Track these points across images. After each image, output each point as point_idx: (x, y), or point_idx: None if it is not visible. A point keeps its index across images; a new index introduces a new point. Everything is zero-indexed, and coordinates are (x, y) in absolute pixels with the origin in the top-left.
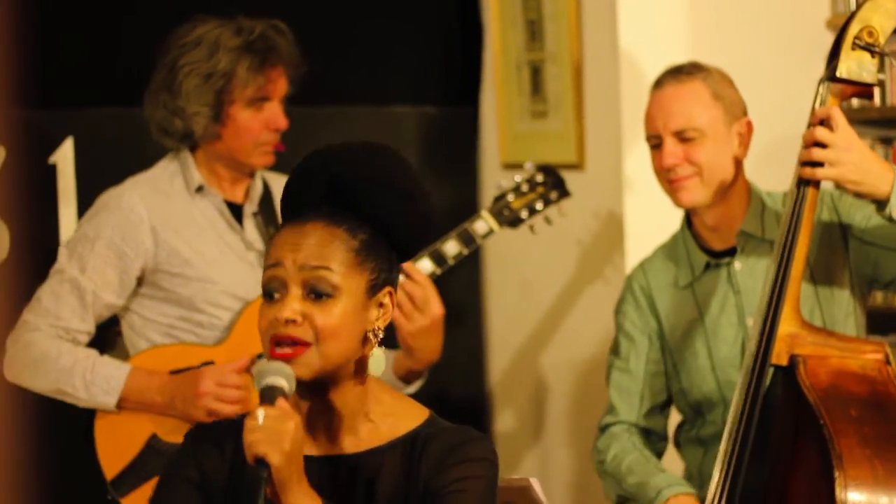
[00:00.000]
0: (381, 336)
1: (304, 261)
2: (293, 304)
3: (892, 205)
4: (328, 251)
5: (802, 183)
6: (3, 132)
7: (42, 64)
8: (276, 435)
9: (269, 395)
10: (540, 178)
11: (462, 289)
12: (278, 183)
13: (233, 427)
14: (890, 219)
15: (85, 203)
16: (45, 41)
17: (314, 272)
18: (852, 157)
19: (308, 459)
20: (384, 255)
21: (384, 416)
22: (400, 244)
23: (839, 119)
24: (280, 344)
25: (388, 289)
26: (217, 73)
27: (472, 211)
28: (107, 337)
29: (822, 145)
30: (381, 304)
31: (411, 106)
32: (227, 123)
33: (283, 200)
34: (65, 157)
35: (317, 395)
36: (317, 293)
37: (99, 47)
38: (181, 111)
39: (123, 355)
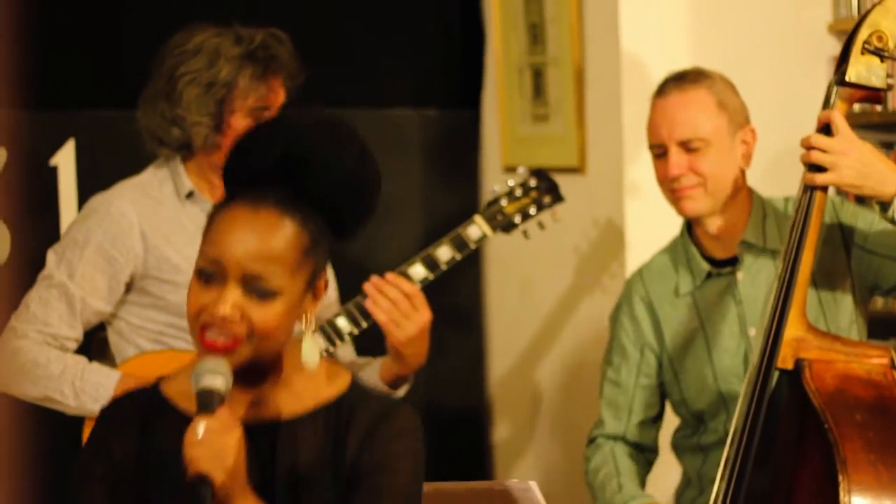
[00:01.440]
0: (312, 323)
1: (250, 256)
2: (232, 299)
3: (895, 207)
4: (277, 250)
5: (808, 188)
6: (4, 134)
7: (44, 66)
8: (218, 451)
9: (207, 402)
10: (533, 182)
11: (462, 294)
12: None
13: (143, 396)
14: (892, 220)
15: None
16: (46, 43)
17: (259, 271)
18: (850, 161)
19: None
20: (325, 243)
21: (305, 382)
22: (344, 230)
23: (839, 122)
24: (210, 329)
25: (322, 276)
26: (219, 82)
27: (472, 214)
28: (91, 343)
29: (822, 150)
30: (314, 291)
31: (413, 109)
32: (227, 133)
33: (228, 166)
34: (66, 159)
35: (238, 371)
36: (259, 292)
37: (101, 49)
38: (181, 120)
39: (109, 362)
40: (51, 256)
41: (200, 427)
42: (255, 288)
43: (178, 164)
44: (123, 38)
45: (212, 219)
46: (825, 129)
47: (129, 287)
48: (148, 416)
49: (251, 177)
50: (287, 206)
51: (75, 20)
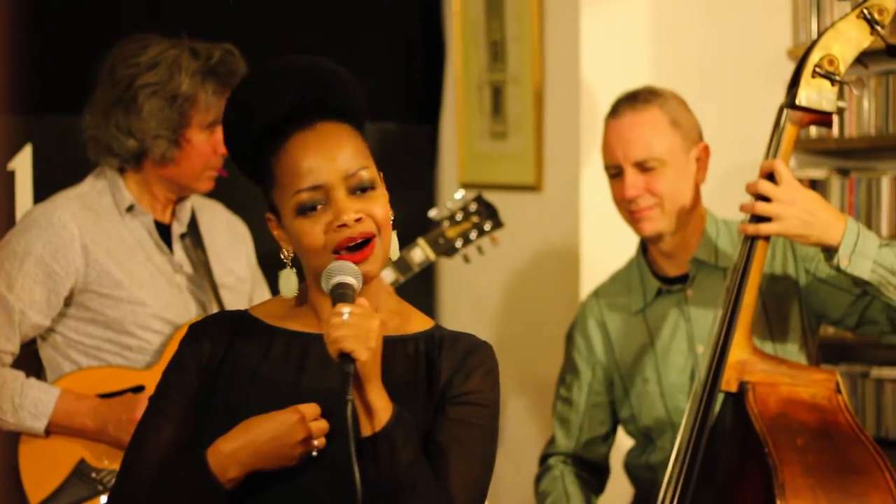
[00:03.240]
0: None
1: (344, 167)
2: (350, 205)
3: (841, 255)
4: (354, 149)
5: (750, 237)
6: None
7: (2, 70)
8: (363, 332)
9: (343, 294)
10: (474, 206)
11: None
12: (200, 205)
13: (233, 315)
14: (837, 269)
15: None
16: (4, 49)
17: (357, 175)
18: (795, 211)
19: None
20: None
21: (391, 314)
22: (362, 129)
23: (783, 172)
24: (345, 249)
25: (381, 175)
26: (180, 95)
27: (429, 229)
28: (21, 356)
29: (766, 199)
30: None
31: (371, 122)
32: (184, 147)
33: (243, 121)
34: (23, 164)
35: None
36: (362, 188)
37: (60, 55)
38: (139, 132)
39: (38, 376)
40: None
41: (345, 310)
42: (358, 186)
43: (116, 176)
44: (82, 44)
45: (277, 160)
46: (769, 177)
47: (68, 301)
48: (237, 329)
49: (284, 111)
50: (332, 118)
51: (36, 25)
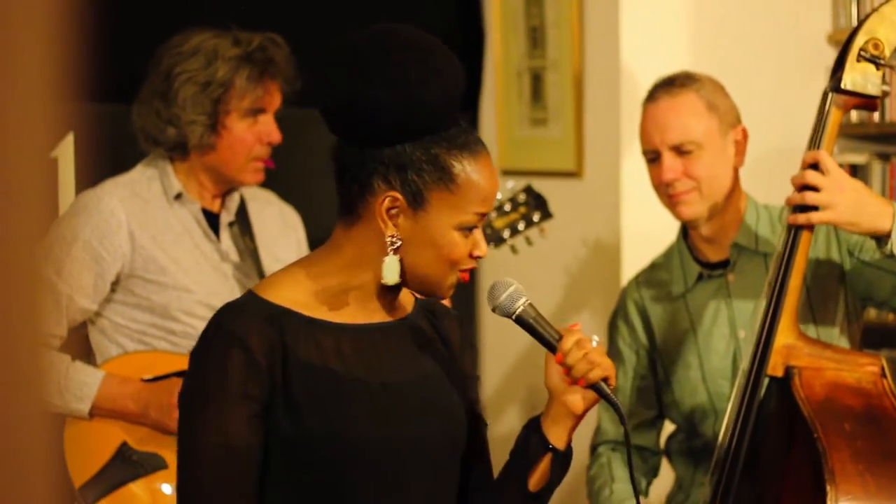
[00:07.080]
0: None
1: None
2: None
3: (894, 241)
4: None
5: (793, 227)
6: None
7: (48, 58)
8: (608, 361)
9: (538, 316)
10: (522, 197)
11: (456, 300)
12: (252, 194)
13: (264, 309)
14: (890, 255)
15: None
16: (50, 37)
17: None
18: (845, 198)
19: (369, 327)
20: None
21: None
22: None
23: (828, 162)
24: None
25: None
26: (215, 82)
27: None
28: (70, 340)
29: (814, 189)
30: None
31: None
32: (222, 134)
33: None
34: (65, 152)
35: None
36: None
37: (103, 43)
38: (176, 119)
39: (88, 360)
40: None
41: (595, 338)
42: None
43: (166, 164)
44: (125, 33)
45: (465, 168)
46: (812, 167)
47: (114, 286)
48: (282, 328)
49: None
50: None
51: (78, 13)
